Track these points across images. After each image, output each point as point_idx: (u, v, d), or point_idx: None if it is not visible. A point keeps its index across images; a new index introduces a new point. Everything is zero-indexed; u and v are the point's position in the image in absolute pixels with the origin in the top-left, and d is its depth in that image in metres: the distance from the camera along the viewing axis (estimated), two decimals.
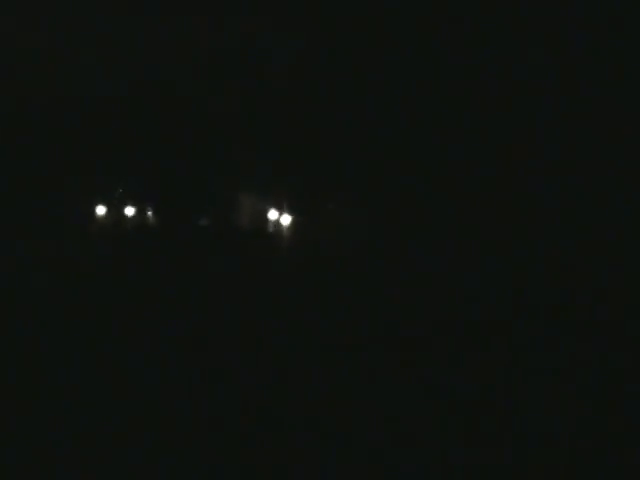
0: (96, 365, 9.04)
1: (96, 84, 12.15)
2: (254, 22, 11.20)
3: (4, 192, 12.20)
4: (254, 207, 11.43)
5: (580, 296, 9.75)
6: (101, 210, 12.59)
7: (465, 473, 6.62)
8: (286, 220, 11.12)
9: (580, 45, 10.11)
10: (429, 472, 6.65)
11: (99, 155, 12.37)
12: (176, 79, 11.95)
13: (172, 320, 10.71)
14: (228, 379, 8.74)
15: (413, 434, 7.22)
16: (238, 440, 7.27)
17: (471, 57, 10.69)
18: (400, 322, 9.89)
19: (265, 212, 11.26)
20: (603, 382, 7.99)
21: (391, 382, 8.52)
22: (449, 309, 10.01)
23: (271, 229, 11.22)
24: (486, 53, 10.50)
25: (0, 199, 12.19)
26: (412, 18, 10.76)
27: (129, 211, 12.39)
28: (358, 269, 10.78)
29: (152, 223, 12.21)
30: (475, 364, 8.72)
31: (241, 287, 10.97)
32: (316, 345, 9.46)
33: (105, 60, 11.89)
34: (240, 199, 11.56)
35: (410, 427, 7.38)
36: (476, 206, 10.85)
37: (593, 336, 8.93)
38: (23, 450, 6.96)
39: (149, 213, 12.28)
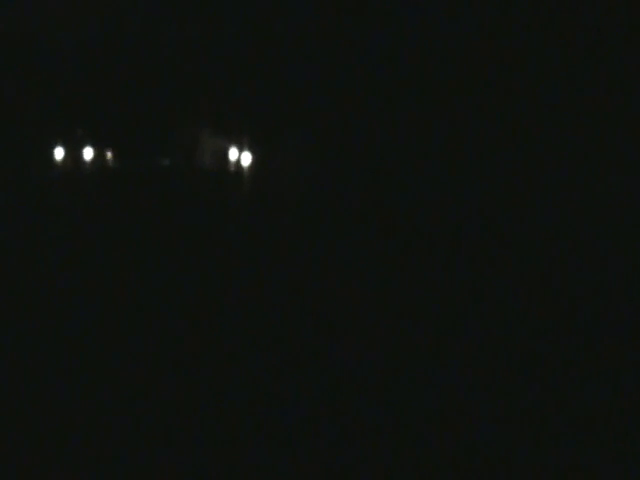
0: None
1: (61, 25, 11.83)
2: None
3: None
4: (216, 146, 11.11)
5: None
6: (59, 152, 12.29)
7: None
8: (247, 159, 10.80)
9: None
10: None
11: (57, 95, 12.08)
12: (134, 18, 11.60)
13: (134, 265, 10.49)
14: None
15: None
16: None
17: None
18: (365, 263, 9.70)
19: (226, 150, 10.94)
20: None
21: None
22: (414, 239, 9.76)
23: (232, 168, 10.90)
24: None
25: None
26: None
27: (88, 153, 12.09)
28: (320, 212, 10.48)
29: (112, 165, 11.92)
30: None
31: (204, 230, 10.73)
32: (277, 289, 9.26)
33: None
34: (202, 138, 11.25)
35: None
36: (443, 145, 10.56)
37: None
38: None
39: (109, 154, 11.98)
